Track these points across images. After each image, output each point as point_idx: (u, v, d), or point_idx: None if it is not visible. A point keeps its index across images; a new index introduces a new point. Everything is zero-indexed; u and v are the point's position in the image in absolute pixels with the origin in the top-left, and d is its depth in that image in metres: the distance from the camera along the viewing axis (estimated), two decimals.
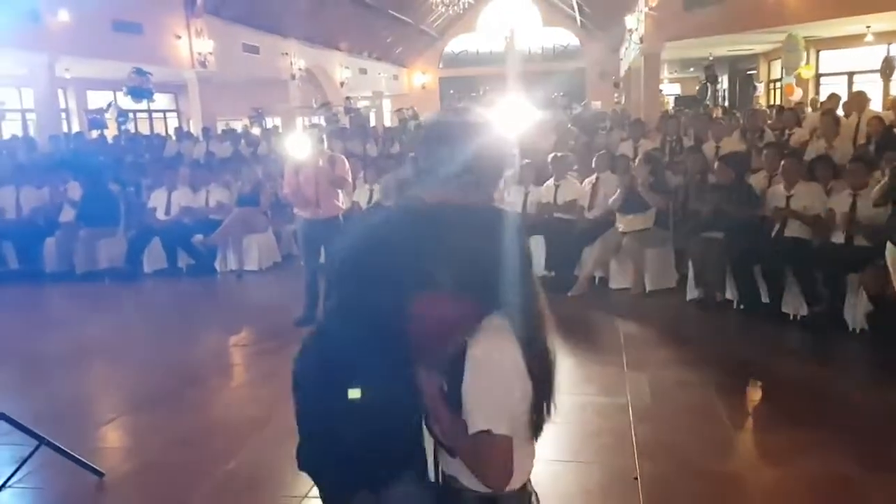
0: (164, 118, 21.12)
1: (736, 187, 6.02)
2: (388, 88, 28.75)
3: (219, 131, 14.76)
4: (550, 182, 7.32)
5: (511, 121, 8.29)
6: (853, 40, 14.95)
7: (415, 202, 1.58)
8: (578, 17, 28.20)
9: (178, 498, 3.30)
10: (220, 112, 17.79)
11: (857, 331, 5.20)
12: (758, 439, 3.88)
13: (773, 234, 5.80)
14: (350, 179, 6.40)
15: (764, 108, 14.95)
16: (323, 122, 15.73)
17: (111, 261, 8.21)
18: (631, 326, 5.75)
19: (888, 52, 14.23)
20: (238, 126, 17.24)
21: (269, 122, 19.29)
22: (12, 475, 3.17)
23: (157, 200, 8.66)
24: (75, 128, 16.14)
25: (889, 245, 4.74)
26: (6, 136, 14.43)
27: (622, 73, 23.76)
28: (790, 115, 9.36)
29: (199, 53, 15.84)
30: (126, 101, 15.33)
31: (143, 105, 17.04)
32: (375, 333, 1.44)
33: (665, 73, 21.54)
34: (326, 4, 19.29)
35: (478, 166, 1.59)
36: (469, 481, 1.51)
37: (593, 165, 7.26)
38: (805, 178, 5.89)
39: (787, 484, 3.26)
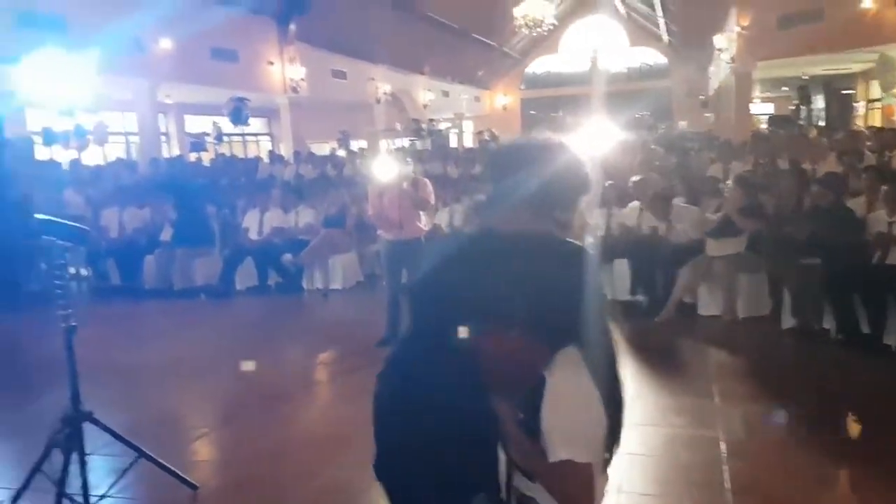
0: (257, 142, 22.01)
1: (834, 211, 5.75)
2: (469, 110, 29.02)
3: (308, 154, 15.25)
4: (635, 204, 7.18)
5: (594, 142, 8.24)
6: None
7: (488, 230, 1.58)
8: (666, 37, 27.72)
9: None
10: (309, 135, 18.39)
11: None
12: (855, 478, 3.65)
13: (875, 260, 5.49)
14: (433, 202, 6.47)
15: (863, 128, 14.24)
16: (410, 143, 16.02)
17: (206, 278, 8.60)
18: (722, 355, 5.54)
19: None
20: (325, 149, 17.76)
21: (355, 145, 19.78)
22: (112, 486, 3.30)
23: (250, 221, 9.01)
24: (174, 151, 17.03)
25: None
26: (111, 158, 15.36)
27: (710, 91, 23.15)
28: (891, 136, 8.88)
29: (291, 79, 16.49)
30: (224, 126, 16.07)
31: (239, 129, 17.80)
32: (451, 358, 1.45)
33: (756, 92, 20.84)
34: (412, 30, 19.71)
35: (551, 191, 1.57)
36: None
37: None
38: None
39: None
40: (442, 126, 23.96)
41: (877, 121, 17.26)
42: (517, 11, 19.94)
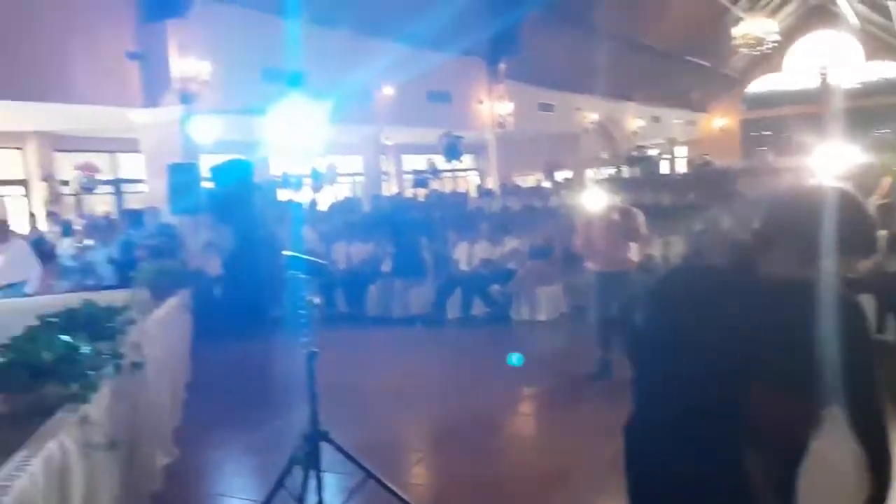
0: (465, 176, 22.90)
1: None
2: (682, 134, 27.87)
3: (514, 186, 15.59)
4: (881, 234, 6.42)
5: (829, 164, 7.52)
6: None
7: (753, 275, 1.51)
8: None
9: None
10: (515, 168, 18.78)
11: None
12: None
13: None
14: (644, 232, 6.28)
15: None
16: (617, 171, 15.78)
17: (421, 307, 9.12)
18: None
19: None
20: (531, 181, 18.02)
21: (560, 176, 19.83)
22: None
23: (460, 253, 9.41)
24: (393, 189, 18.26)
25: None
26: (339, 197, 16.84)
27: None
28: None
29: (499, 115, 17.03)
30: (437, 162, 16.99)
31: (451, 164, 18.68)
32: (702, 418, 1.40)
33: None
34: (622, 59, 19.46)
35: (832, 242, 1.48)
36: None
37: None
38: None
39: None
40: (652, 152, 23.26)
41: None
42: (736, 31, 18.94)
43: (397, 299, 9.26)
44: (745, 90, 29.78)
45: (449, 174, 21.37)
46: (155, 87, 10.50)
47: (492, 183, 17.43)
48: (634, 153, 18.54)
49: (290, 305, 3.74)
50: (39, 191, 12.58)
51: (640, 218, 6.02)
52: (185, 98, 10.46)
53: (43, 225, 11.37)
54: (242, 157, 10.82)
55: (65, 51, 9.36)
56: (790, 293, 1.41)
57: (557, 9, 15.78)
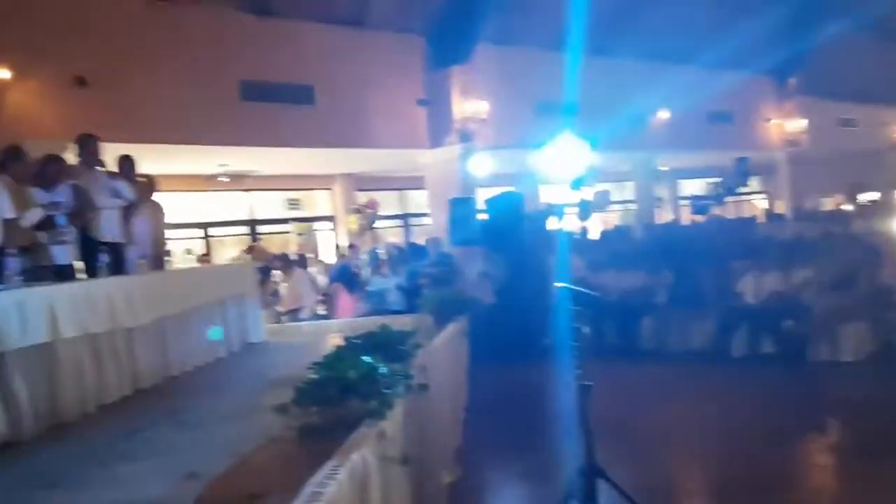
0: (750, 200, 21.24)
1: None
2: None
3: (808, 210, 14.10)
4: None
5: None
6: None
7: None
8: None
9: None
10: (810, 190, 17.03)
11: None
12: None
13: None
14: None
15: None
16: None
17: (701, 342, 8.58)
18: None
19: None
20: (829, 204, 16.19)
21: (864, 198, 17.53)
22: None
23: (745, 284, 8.71)
24: (668, 215, 17.57)
25: None
26: (608, 225, 16.62)
27: None
28: None
29: (790, 133, 15.65)
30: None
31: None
32: None
33: None
34: None
35: None
36: None
37: None
38: None
39: None
40: None
41: None
42: None
43: (674, 333, 8.81)
44: None
45: (731, 198, 20.03)
46: (439, 128, 11.45)
47: (782, 207, 15.97)
48: None
49: (560, 335, 3.76)
50: (344, 225, 14.39)
51: None
52: (465, 136, 11.21)
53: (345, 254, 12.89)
54: (513, 188, 11.25)
55: (363, 101, 10.63)
56: None
57: (857, 16, 14.10)
